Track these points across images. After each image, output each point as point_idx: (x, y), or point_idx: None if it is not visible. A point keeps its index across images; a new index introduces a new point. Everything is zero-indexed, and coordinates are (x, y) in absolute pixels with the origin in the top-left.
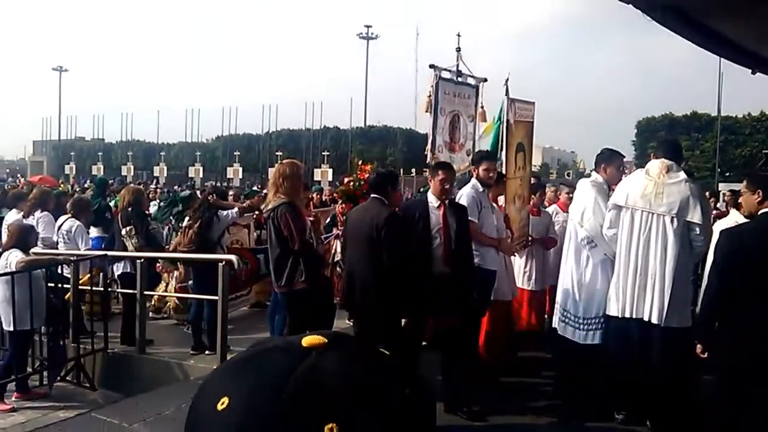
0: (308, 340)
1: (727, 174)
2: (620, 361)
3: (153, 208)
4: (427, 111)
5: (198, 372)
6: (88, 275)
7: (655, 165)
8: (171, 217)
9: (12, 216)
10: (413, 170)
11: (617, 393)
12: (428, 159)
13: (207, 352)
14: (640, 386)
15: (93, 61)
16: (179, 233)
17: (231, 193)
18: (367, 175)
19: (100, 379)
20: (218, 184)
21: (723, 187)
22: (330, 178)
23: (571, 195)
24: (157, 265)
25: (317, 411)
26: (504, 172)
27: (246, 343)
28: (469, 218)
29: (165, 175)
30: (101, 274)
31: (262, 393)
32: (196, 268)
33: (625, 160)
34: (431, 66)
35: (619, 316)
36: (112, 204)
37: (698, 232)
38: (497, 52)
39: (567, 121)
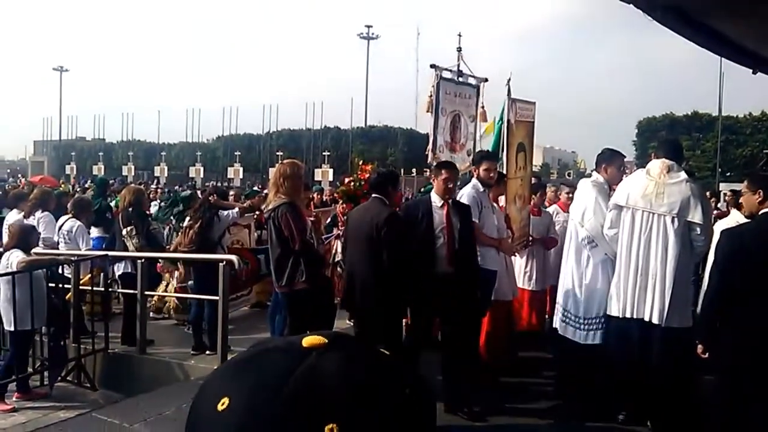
0: (308, 341)
1: (728, 174)
2: (621, 361)
3: (154, 209)
4: (428, 111)
5: (199, 372)
6: (89, 275)
7: (656, 165)
8: (172, 217)
9: (13, 216)
10: (414, 170)
11: (618, 393)
12: (429, 159)
13: (208, 352)
14: (640, 386)
15: (94, 61)
16: (180, 233)
17: (232, 193)
18: (367, 175)
19: (100, 379)
20: (219, 184)
21: (724, 187)
22: (330, 178)
23: (571, 195)
24: (159, 265)
25: (317, 411)
26: (505, 172)
27: (246, 343)
28: None
29: (166, 175)
30: (102, 274)
31: (263, 393)
32: (196, 269)
33: (625, 160)
34: (432, 66)
35: (620, 316)
36: (112, 204)
37: (699, 232)
38: (498, 51)
39: (568, 121)
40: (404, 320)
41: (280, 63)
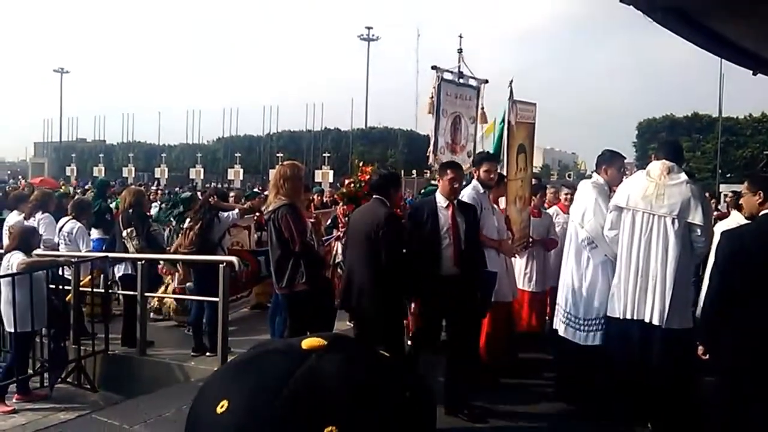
0: (308, 342)
1: (728, 175)
2: (621, 362)
3: (154, 210)
4: (429, 112)
5: (199, 374)
6: (89, 277)
7: (656, 166)
8: (172, 219)
9: (13, 217)
10: (414, 171)
11: (618, 394)
12: (430, 161)
13: (208, 353)
14: (640, 387)
15: (94, 63)
16: (180, 235)
17: (232, 194)
18: (367, 177)
19: (100, 380)
20: (219, 186)
21: (724, 189)
22: (331, 180)
23: (571, 196)
24: (160, 267)
25: (317, 413)
26: (505, 173)
27: (247, 344)
28: None
29: (166, 176)
30: (102, 275)
31: (262, 395)
32: (196, 270)
33: (626, 161)
34: (433, 67)
35: (620, 317)
36: (113, 205)
37: (699, 234)
38: (498, 52)
39: (568, 123)
40: (405, 321)
41: (281, 64)
